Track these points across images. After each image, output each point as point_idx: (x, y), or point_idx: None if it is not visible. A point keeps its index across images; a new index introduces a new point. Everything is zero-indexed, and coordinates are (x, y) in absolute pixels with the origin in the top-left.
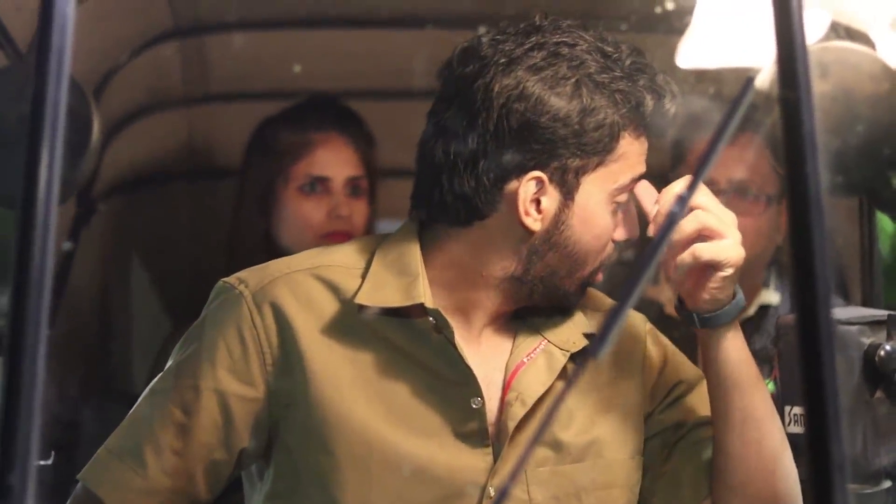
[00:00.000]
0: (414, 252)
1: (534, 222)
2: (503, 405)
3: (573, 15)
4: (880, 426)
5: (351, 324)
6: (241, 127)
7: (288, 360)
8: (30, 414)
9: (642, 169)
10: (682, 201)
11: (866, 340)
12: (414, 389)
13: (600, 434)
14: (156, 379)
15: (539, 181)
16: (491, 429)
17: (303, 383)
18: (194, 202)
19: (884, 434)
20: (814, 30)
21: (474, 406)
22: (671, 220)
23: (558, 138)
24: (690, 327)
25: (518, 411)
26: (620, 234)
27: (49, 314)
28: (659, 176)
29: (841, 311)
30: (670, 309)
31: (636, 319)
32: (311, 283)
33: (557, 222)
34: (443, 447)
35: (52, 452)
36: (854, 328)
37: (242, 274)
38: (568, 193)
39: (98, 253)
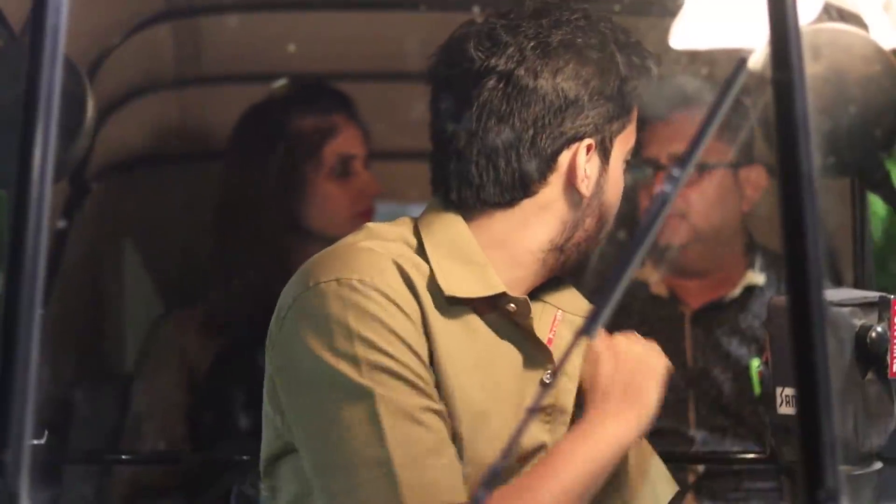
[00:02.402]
0: (468, 237)
1: (586, 188)
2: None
3: None
4: (871, 407)
5: (445, 313)
6: (233, 109)
7: (427, 349)
8: (24, 393)
9: None
10: (674, 181)
11: (857, 322)
12: (503, 370)
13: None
14: (357, 403)
15: (589, 148)
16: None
17: (435, 373)
18: (187, 184)
19: (875, 415)
20: (806, 11)
21: (546, 381)
22: (663, 199)
23: (602, 106)
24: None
25: (568, 385)
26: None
27: (42, 295)
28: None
29: (832, 293)
30: (658, 289)
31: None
32: (398, 274)
33: (598, 186)
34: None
35: (45, 432)
36: (845, 310)
37: (341, 271)
38: (605, 157)
39: (91, 234)
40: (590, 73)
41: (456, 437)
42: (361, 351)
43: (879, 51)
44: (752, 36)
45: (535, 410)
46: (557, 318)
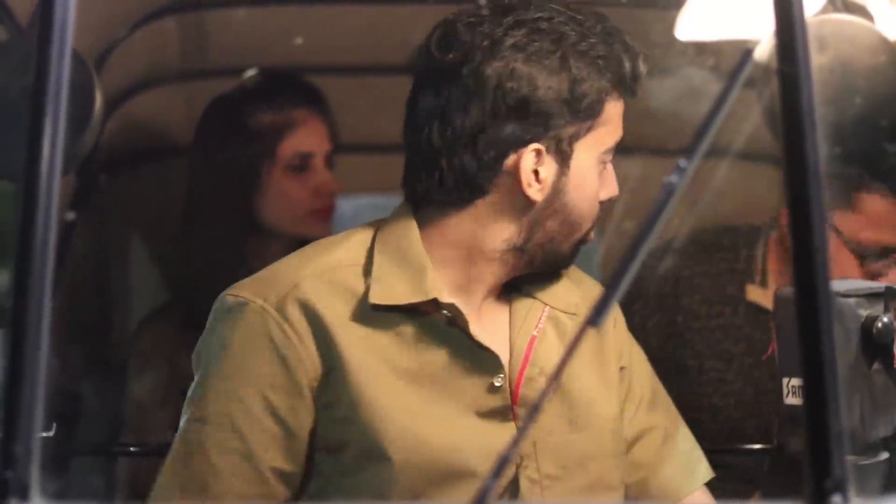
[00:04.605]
0: (414, 240)
1: (536, 192)
2: (522, 380)
3: None
4: (877, 398)
5: (370, 322)
6: None
7: (326, 363)
8: (33, 386)
9: (621, 130)
10: (681, 171)
11: (864, 312)
12: (438, 377)
13: (596, 403)
14: (190, 408)
15: (538, 152)
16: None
17: (343, 384)
18: None
19: (881, 405)
20: (812, 2)
21: (497, 384)
22: (670, 190)
23: (552, 110)
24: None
25: (542, 385)
26: (604, 194)
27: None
28: (657, 149)
29: (838, 284)
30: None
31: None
32: (324, 287)
33: (555, 190)
34: (472, 430)
35: (54, 424)
36: (851, 300)
37: (251, 287)
38: (563, 161)
39: (99, 226)
40: (538, 77)
41: (380, 452)
42: (211, 367)
43: (885, 41)
44: (758, 27)
45: (536, 413)
46: (544, 314)
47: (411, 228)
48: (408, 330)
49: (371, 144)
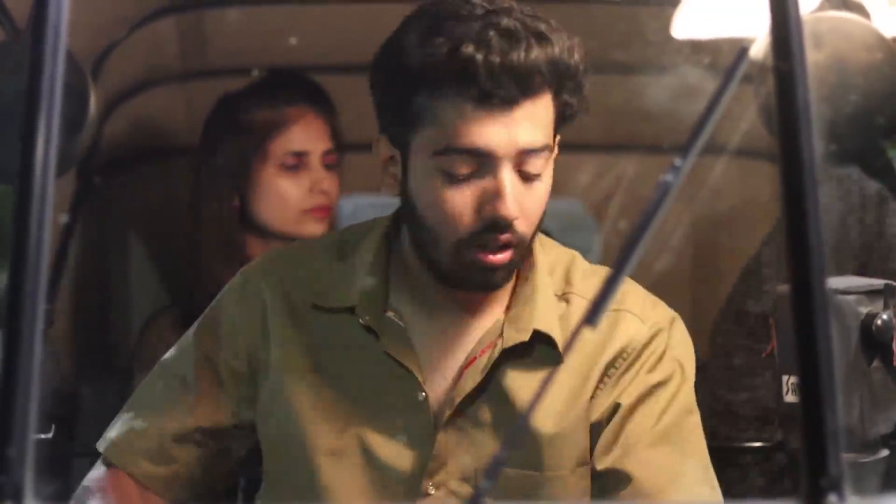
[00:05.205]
0: (371, 242)
1: (389, 188)
2: (446, 400)
3: None
4: (877, 395)
5: (311, 319)
6: None
7: (262, 341)
8: (27, 388)
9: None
10: (676, 170)
11: (863, 310)
12: (361, 383)
13: (557, 443)
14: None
15: (377, 143)
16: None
17: (266, 369)
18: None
19: (880, 403)
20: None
21: (420, 399)
22: (664, 189)
23: (385, 107)
24: None
25: (446, 410)
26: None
27: (50, 288)
28: (652, 147)
29: (838, 281)
30: None
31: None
32: (290, 274)
33: (403, 189)
34: (387, 439)
35: (53, 426)
36: (851, 297)
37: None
38: (404, 160)
39: (98, 228)
40: (381, 70)
41: (280, 434)
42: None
43: (881, 38)
44: (754, 25)
45: (529, 414)
46: (498, 340)
47: (378, 228)
48: (352, 334)
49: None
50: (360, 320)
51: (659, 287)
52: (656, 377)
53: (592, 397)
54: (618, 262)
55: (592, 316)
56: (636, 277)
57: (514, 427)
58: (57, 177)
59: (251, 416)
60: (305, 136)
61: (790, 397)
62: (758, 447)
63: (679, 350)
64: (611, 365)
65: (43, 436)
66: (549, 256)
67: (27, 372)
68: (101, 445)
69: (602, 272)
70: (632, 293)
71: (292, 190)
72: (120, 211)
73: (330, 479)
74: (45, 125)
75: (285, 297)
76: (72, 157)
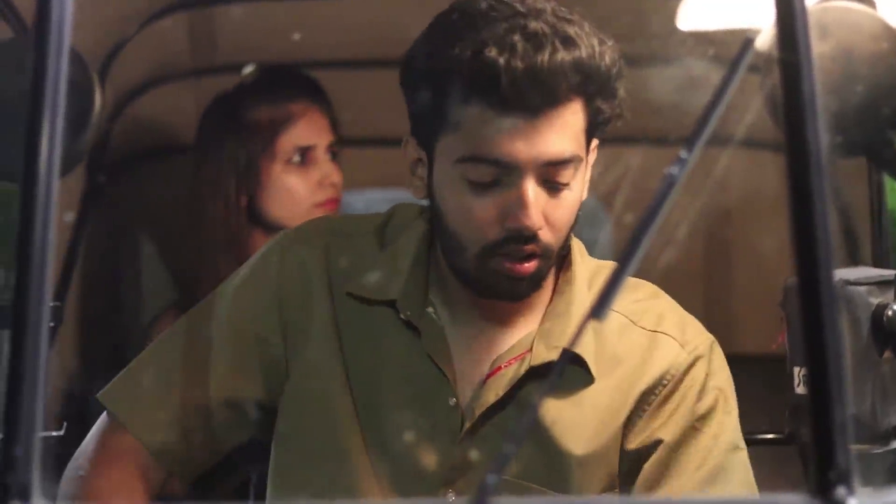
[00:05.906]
0: (412, 238)
1: (417, 191)
2: (468, 409)
3: None
4: (888, 386)
5: (349, 306)
6: None
7: (302, 316)
8: (34, 387)
9: None
10: (682, 163)
11: (874, 300)
12: (392, 380)
13: (586, 466)
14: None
15: (407, 145)
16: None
17: (303, 346)
18: None
19: (892, 394)
20: None
21: (451, 404)
22: (670, 181)
23: (414, 108)
24: None
25: (467, 420)
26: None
27: (60, 287)
28: (656, 141)
29: (848, 272)
30: None
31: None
32: (334, 252)
33: (429, 192)
34: (418, 440)
35: (65, 423)
36: (862, 288)
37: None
38: (430, 162)
39: (107, 226)
40: (408, 70)
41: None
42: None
43: (888, 28)
44: (760, 16)
45: (533, 415)
46: (526, 352)
47: (420, 221)
48: (373, 324)
49: (384, 138)
50: (402, 315)
51: (670, 281)
52: (699, 410)
53: (628, 421)
54: (624, 256)
55: (598, 309)
56: (645, 272)
57: (519, 423)
58: (62, 175)
59: (277, 394)
60: (311, 130)
61: (801, 389)
62: (768, 439)
63: (719, 377)
64: (650, 392)
65: (56, 433)
66: (589, 268)
67: (33, 371)
68: (109, 402)
69: (643, 286)
70: (668, 314)
71: (302, 185)
72: (130, 209)
73: (347, 478)
74: (49, 123)
75: (326, 276)
76: (78, 156)
